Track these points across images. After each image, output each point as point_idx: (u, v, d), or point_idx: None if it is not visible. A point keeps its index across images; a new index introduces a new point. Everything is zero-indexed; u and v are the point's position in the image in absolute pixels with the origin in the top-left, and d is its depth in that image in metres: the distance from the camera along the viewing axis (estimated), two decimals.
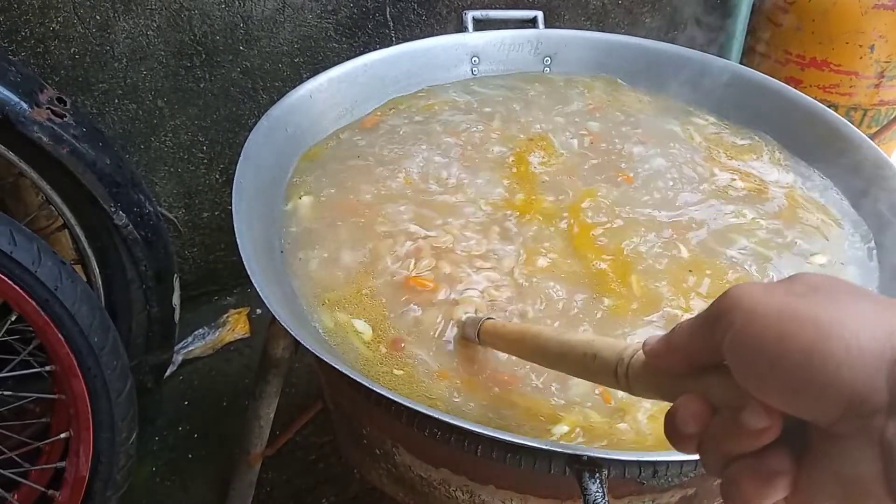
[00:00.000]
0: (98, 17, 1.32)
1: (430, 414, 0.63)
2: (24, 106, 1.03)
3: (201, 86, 1.49)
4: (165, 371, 1.40)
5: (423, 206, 0.95)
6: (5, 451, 1.06)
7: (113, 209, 1.12)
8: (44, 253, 0.98)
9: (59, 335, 1.00)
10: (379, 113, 1.15)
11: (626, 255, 0.90)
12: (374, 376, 0.75)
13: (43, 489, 1.08)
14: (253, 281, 0.73)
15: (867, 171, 1.01)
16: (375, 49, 1.18)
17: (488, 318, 0.75)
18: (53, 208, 1.13)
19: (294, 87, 1.07)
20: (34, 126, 1.03)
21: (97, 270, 1.19)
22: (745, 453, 0.36)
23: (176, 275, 1.26)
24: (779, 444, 0.35)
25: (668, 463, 0.66)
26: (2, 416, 1.07)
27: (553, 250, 0.90)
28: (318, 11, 1.53)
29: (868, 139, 1.04)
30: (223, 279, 1.73)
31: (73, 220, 1.15)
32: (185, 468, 1.38)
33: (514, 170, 1.04)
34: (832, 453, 0.33)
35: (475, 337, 0.75)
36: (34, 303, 0.97)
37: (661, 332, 0.44)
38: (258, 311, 1.68)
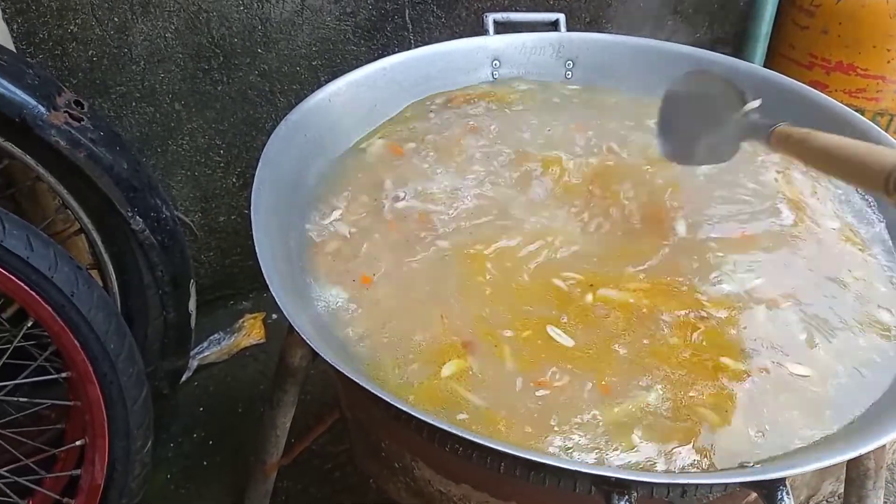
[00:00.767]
0: (116, 20, 1.31)
1: (452, 431, 0.61)
2: (42, 109, 1.02)
3: (219, 89, 1.48)
4: (181, 377, 1.39)
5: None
6: (21, 457, 1.05)
7: (130, 214, 1.11)
8: (60, 258, 0.97)
9: (75, 341, 0.99)
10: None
11: None
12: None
13: (57, 497, 1.08)
14: (272, 290, 0.71)
15: None
16: (394, 52, 1.17)
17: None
18: (70, 212, 1.12)
19: (312, 90, 1.06)
20: (51, 130, 1.02)
21: (113, 276, 1.18)
22: None
23: (192, 280, 1.25)
24: None
25: (697, 485, 0.64)
26: (17, 422, 1.06)
27: None
28: (337, 14, 1.51)
29: None
30: (239, 284, 1.72)
31: (89, 225, 1.14)
32: (200, 476, 1.36)
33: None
34: None
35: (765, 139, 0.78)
36: (50, 308, 0.96)
37: None
38: (273, 315, 1.67)
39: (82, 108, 1.08)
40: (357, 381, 0.64)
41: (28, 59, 1.19)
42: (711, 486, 0.65)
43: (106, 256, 1.16)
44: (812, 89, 1.15)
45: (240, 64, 1.47)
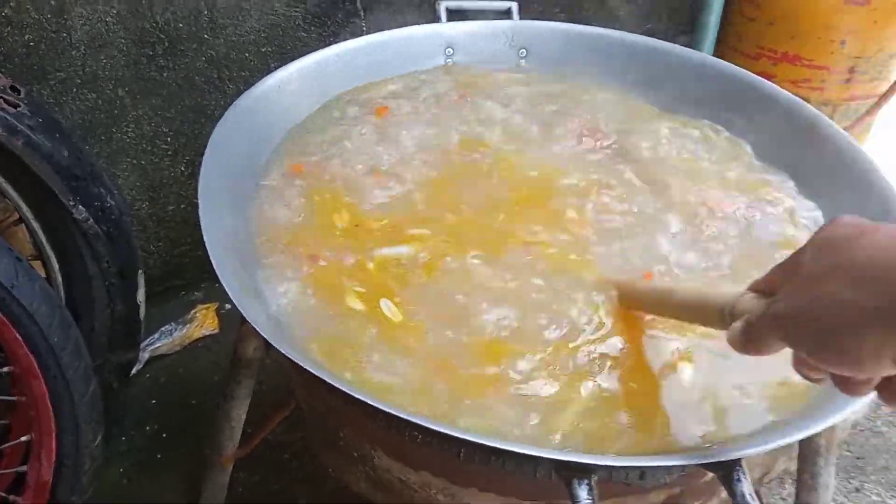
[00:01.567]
0: (53, 3, 1.26)
1: (410, 419, 0.60)
2: None
3: (164, 75, 1.44)
4: (131, 370, 1.35)
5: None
6: None
7: (72, 203, 1.08)
8: None
9: (17, 335, 0.95)
10: None
11: None
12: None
13: (3, 494, 1.04)
14: (222, 281, 0.70)
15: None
16: (346, 39, 1.15)
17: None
18: (9, 202, 1.08)
19: (262, 76, 1.04)
20: None
21: (56, 267, 1.14)
22: None
23: (141, 270, 1.22)
24: None
25: (655, 467, 0.65)
26: None
27: None
28: (286, 0, 1.48)
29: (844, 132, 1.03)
30: (189, 274, 1.68)
31: (29, 215, 1.10)
32: (154, 469, 1.34)
33: None
34: None
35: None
36: None
37: None
38: (227, 306, 1.64)
39: (18, 94, 1.04)
40: (315, 372, 0.63)
41: None
42: (670, 467, 0.66)
43: (48, 247, 1.12)
44: (763, 79, 1.16)
45: (186, 50, 1.43)
